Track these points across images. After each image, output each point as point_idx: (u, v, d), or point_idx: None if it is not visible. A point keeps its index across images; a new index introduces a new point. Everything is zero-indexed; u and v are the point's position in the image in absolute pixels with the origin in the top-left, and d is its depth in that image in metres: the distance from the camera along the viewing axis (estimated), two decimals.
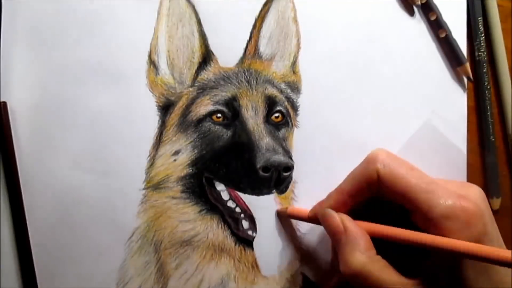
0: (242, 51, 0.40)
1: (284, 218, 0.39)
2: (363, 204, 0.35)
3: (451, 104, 0.42)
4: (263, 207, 0.39)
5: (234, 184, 0.38)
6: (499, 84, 0.42)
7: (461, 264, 0.30)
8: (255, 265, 0.39)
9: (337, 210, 0.34)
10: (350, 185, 0.34)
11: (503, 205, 0.42)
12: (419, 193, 0.31)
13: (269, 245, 0.39)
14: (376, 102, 0.41)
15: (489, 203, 0.41)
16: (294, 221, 0.40)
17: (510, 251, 0.27)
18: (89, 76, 0.39)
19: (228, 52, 0.40)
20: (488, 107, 0.42)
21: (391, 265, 0.32)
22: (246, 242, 0.39)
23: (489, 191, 0.41)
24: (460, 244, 0.28)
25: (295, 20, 0.41)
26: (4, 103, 0.38)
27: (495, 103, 0.42)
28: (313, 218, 0.36)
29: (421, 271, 0.31)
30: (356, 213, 0.35)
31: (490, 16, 0.42)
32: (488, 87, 0.42)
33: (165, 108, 0.39)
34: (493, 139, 0.41)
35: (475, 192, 0.33)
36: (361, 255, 0.32)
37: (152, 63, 0.39)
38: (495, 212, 0.42)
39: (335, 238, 0.33)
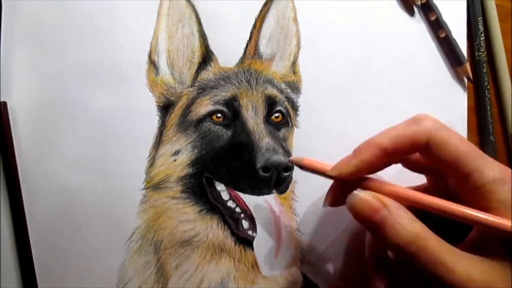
0: (242, 51, 0.40)
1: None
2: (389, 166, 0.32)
3: (451, 104, 0.42)
4: (263, 207, 0.39)
5: (234, 184, 0.38)
6: (499, 84, 0.42)
7: None
8: (255, 265, 0.39)
9: (366, 167, 0.31)
10: (390, 140, 0.31)
11: None
12: (474, 159, 0.30)
13: (269, 245, 0.39)
14: (376, 102, 0.41)
15: None
16: (294, 221, 0.40)
17: None
18: (89, 76, 0.39)
19: (228, 52, 0.40)
20: (488, 107, 0.42)
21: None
22: (246, 242, 0.39)
23: None
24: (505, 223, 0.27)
25: (295, 20, 0.41)
26: (4, 103, 0.38)
27: (495, 103, 0.42)
28: (337, 178, 0.32)
29: (463, 247, 0.29)
30: None
31: (488, 16, 0.42)
32: (488, 87, 0.42)
33: (165, 108, 0.39)
34: (493, 139, 0.41)
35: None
36: (415, 221, 0.29)
37: (152, 63, 0.39)
38: None
39: (375, 218, 0.29)
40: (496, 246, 0.29)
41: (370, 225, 0.30)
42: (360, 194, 0.30)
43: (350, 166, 0.32)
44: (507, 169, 0.30)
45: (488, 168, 0.30)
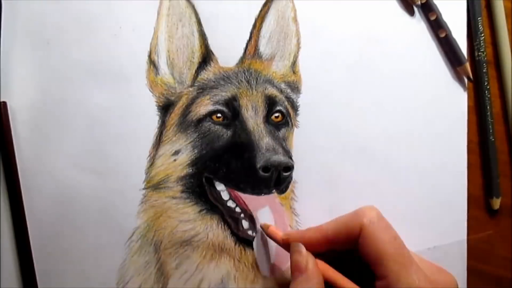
0: (242, 51, 0.40)
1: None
2: (337, 251, 0.35)
3: (451, 104, 0.42)
4: (263, 207, 0.39)
5: (234, 184, 0.38)
6: (503, 83, 0.42)
7: None
8: (255, 265, 0.39)
9: (311, 247, 0.34)
10: (332, 228, 0.34)
11: (503, 205, 0.42)
12: (392, 263, 0.31)
13: (268, 245, 0.39)
14: (376, 102, 0.41)
15: (489, 203, 0.41)
16: (293, 221, 0.40)
17: None
18: (89, 76, 0.39)
19: (228, 52, 0.40)
20: (488, 107, 0.42)
21: None
22: (246, 242, 0.39)
23: (489, 191, 0.41)
24: None
25: (295, 20, 0.41)
26: (4, 103, 0.38)
27: (495, 103, 0.42)
28: (285, 243, 0.36)
29: None
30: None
31: (495, 15, 0.42)
32: (488, 87, 0.42)
33: (165, 108, 0.39)
34: (493, 139, 0.41)
35: (448, 282, 0.33)
36: None
37: (152, 63, 0.39)
38: (494, 212, 0.42)
39: (294, 273, 0.34)
40: None
41: (292, 274, 0.34)
42: (300, 248, 0.34)
43: (297, 234, 0.36)
44: (427, 282, 0.30)
45: (404, 277, 0.30)
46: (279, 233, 0.37)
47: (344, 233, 0.33)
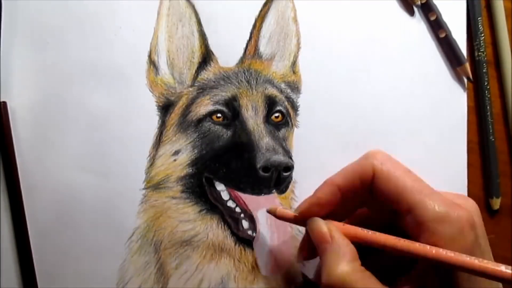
0: (242, 51, 0.40)
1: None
2: (352, 205, 0.34)
3: (451, 104, 0.42)
4: (263, 207, 0.39)
5: (234, 184, 0.38)
6: (503, 83, 0.42)
7: (454, 274, 0.29)
8: (255, 265, 0.39)
9: (324, 204, 0.33)
10: (342, 178, 0.33)
11: (503, 205, 0.42)
12: (415, 194, 0.30)
13: (269, 245, 0.39)
14: (375, 102, 0.41)
15: (489, 203, 0.41)
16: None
17: (504, 265, 0.27)
18: (89, 76, 0.39)
19: (228, 52, 0.40)
20: (488, 107, 0.42)
21: (378, 275, 0.30)
22: (246, 242, 0.39)
23: (489, 191, 0.41)
24: (453, 256, 0.28)
25: (295, 20, 0.41)
26: (4, 103, 0.38)
27: (495, 103, 0.42)
28: (300, 219, 0.34)
29: (409, 280, 0.31)
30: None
31: (495, 15, 0.42)
32: (488, 87, 0.42)
33: (165, 108, 0.39)
34: (493, 139, 0.41)
35: (471, 205, 0.33)
36: (345, 265, 0.30)
37: (152, 63, 0.39)
38: (494, 212, 0.42)
39: (321, 247, 0.32)
40: (436, 282, 0.30)
41: (318, 250, 0.32)
42: (318, 221, 0.33)
43: (306, 204, 0.34)
44: (451, 204, 0.30)
45: (430, 204, 0.30)
46: (289, 212, 0.35)
47: (357, 180, 0.32)
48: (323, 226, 0.32)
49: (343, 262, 0.30)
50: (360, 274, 0.30)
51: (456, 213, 0.30)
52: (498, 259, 0.41)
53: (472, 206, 0.32)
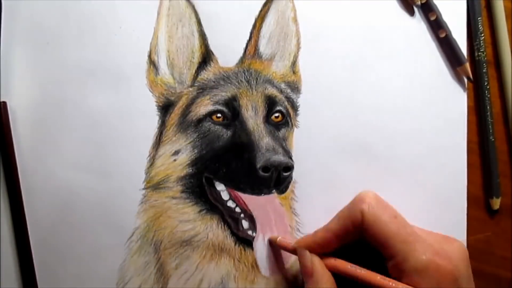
0: (242, 51, 0.40)
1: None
2: (351, 245, 0.35)
3: (451, 104, 0.41)
4: (263, 207, 0.39)
5: (234, 184, 0.38)
6: (503, 83, 0.42)
7: None
8: (255, 265, 0.39)
9: (323, 248, 0.35)
10: (337, 224, 0.35)
11: (503, 205, 0.42)
12: (397, 242, 0.31)
13: (268, 245, 0.39)
14: (376, 102, 0.41)
15: (489, 203, 0.41)
16: (293, 221, 0.40)
17: None
18: (89, 76, 0.39)
19: (228, 52, 0.40)
20: (488, 107, 0.42)
21: None
22: (246, 242, 0.39)
23: (489, 191, 0.41)
24: None
25: (295, 20, 0.41)
26: (4, 103, 0.38)
27: (495, 103, 0.42)
28: (296, 250, 0.36)
29: None
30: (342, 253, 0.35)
31: (495, 15, 0.42)
32: (488, 87, 0.42)
33: (165, 108, 0.39)
34: (493, 139, 0.41)
35: (457, 249, 0.33)
36: None
37: (152, 63, 0.39)
38: (494, 212, 0.42)
39: (304, 278, 0.35)
40: None
41: (304, 279, 0.35)
42: (305, 254, 0.35)
43: (304, 241, 0.36)
44: (434, 254, 0.31)
45: (411, 255, 0.31)
46: (289, 243, 0.37)
47: (349, 225, 0.34)
48: (307, 260, 0.35)
49: None
50: None
51: (436, 264, 0.30)
52: (498, 259, 0.41)
53: (458, 251, 0.33)
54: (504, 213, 0.42)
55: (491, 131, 0.41)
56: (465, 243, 0.40)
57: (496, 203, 0.41)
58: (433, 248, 0.31)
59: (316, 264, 0.34)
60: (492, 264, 0.41)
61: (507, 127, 0.42)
